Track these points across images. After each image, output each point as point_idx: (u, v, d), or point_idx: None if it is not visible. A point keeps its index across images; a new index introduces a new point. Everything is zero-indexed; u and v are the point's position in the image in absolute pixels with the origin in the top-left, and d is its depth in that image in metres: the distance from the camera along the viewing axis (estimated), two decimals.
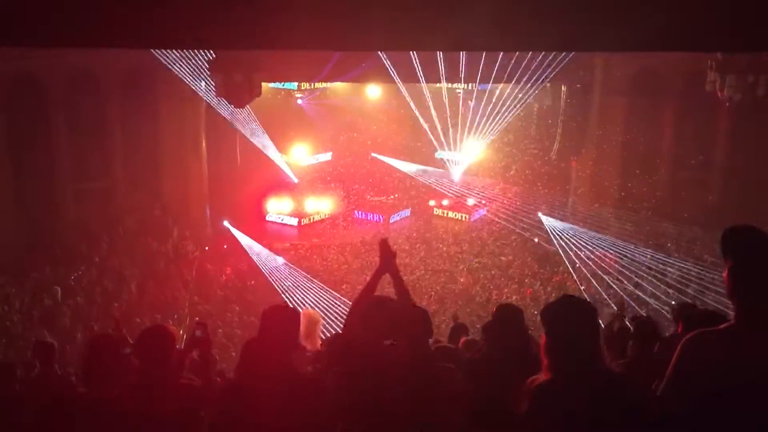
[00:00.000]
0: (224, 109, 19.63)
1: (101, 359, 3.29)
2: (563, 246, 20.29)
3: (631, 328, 5.29)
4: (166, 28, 4.38)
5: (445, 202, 24.90)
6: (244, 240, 20.60)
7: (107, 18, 4.11)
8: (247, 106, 19.62)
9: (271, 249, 20.52)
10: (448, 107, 23.61)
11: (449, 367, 3.53)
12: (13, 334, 14.40)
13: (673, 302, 14.79)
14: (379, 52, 17.83)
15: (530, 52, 18.11)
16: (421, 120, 23.71)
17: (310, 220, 24.16)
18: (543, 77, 20.23)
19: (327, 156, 27.14)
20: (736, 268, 2.47)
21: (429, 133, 24.09)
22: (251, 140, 22.51)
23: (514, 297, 17.87)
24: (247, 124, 21.81)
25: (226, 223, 21.27)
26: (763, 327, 2.38)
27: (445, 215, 24.66)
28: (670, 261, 18.81)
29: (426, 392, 3.20)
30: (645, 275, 18.24)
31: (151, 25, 4.26)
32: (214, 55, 17.49)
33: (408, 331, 3.41)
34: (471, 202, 24.74)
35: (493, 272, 20.02)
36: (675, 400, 2.47)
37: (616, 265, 19.09)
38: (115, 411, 3.04)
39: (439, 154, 25.39)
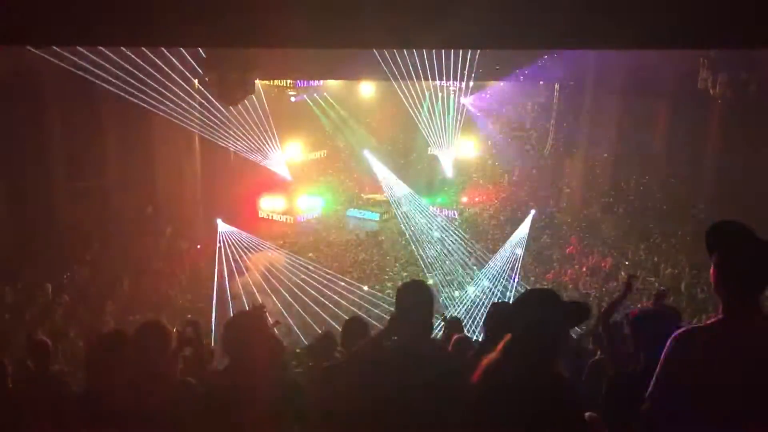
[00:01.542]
0: (218, 107, 19.58)
1: (106, 357, 3.29)
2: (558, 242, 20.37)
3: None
4: (159, 27, 4.37)
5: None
6: (238, 238, 20.55)
7: (100, 17, 4.11)
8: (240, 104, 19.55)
9: (264, 247, 20.48)
10: (442, 104, 23.61)
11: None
12: (4, 332, 14.32)
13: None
14: (374, 50, 17.77)
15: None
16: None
17: (303, 217, 24.13)
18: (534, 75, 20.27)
19: (321, 153, 27.10)
20: (722, 263, 2.49)
21: (422, 129, 24.08)
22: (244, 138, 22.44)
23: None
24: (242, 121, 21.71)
25: (219, 221, 21.21)
26: (749, 320, 2.40)
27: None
28: (662, 258, 18.86)
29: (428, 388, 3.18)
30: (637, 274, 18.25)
31: (144, 24, 4.25)
32: (204, 54, 17.45)
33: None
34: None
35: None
36: (666, 398, 2.48)
37: (607, 263, 19.14)
38: (110, 407, 3.04)
39: (432, 150, 25.38)
